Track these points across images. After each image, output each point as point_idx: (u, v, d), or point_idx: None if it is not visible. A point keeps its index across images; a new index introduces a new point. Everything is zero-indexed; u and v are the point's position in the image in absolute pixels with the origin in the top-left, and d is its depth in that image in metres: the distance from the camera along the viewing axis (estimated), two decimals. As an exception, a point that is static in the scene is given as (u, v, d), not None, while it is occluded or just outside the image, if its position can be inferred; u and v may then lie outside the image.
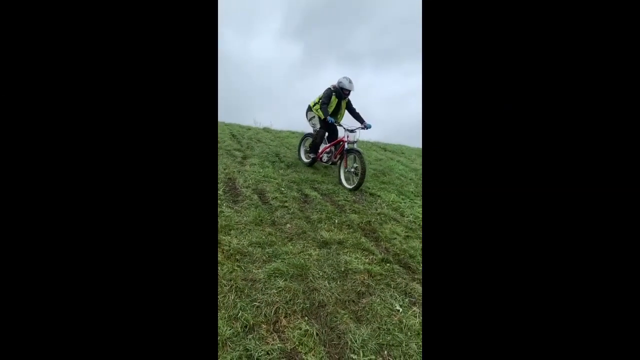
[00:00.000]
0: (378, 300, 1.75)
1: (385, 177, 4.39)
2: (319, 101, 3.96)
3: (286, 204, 2.87)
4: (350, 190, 3.49)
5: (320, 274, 1.91)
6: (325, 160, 4.08)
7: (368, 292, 1.82)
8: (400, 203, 3.38)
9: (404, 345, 1.46)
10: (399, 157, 6.06)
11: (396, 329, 1.56)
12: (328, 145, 4.05)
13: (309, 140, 4.30)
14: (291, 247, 2.18)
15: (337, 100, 3.92)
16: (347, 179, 3.70)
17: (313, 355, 1.33)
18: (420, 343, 1.49)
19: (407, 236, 2.64)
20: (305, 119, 4.24)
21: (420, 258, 2.32)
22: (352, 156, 3.62)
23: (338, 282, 1.87)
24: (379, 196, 3.54)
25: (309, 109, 4.12)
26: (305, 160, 4.33)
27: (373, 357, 1.38)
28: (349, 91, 3.90)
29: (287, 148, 5.23)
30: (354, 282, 1.88)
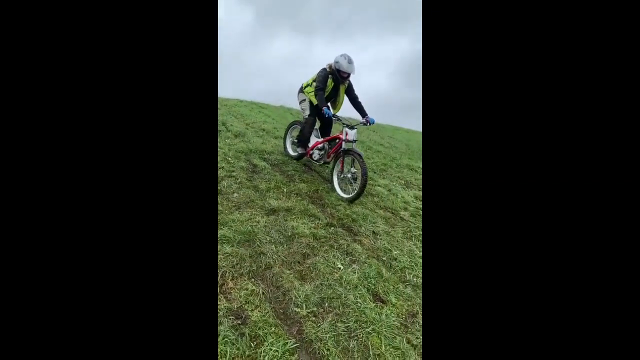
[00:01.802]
0: (321, 260, 1.88)
1: (334, 148, 4.51)
2: (311, 83, 3.17)
3: (233, 174, 2.83)
4: (346, 200, 2.82)
5: (268, 239, 1.98)
6: (316, 159, 3.27)
7: (312, 254, 1.94)
8: (347, 173, 3.54)
9: (343, 297, 1.62)
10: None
11: (337, 283, 1.71)
12: (321, 140, 3.25)
13: (296, 129, 3.54)
14: (238, 215, 2.19)
15: (333, 84, 3.07)
16: (342, 187, 2.98)
17: (259, 311, 1.41)
18: (358, 294, 1.66)
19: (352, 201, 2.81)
20: (297, 100, 3.42)
21: (362, 222, 2.51)
22: (349, 159, 2.93)
23: (285, 246, 1.95)
24: (327, 165, 3.66)
25: (301, 89, 3.30)
26: (292, 154, 3.57)
27: (315, 309, 1.51)
28: (348, 74, 3.00)
29: (235, 117, 5.02)
30: (299, 245, 1.99)
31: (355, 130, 2.94)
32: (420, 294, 1.82)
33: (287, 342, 1.28)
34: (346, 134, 2.90)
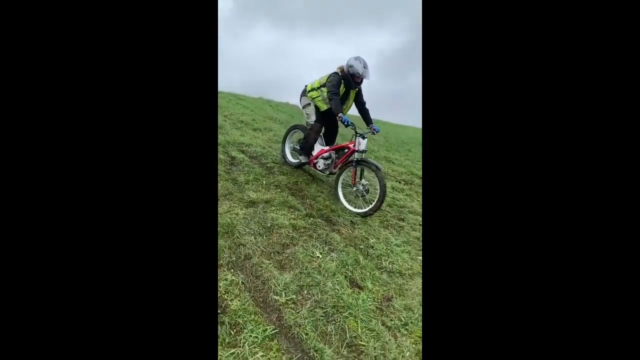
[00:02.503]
0: (301, 249, 1.92)
1: (314, 140, 4.53)
2: (319, 86, 2.91)
3: (211, 166, 2.79)
4: (358, 215, 2.60)
5: (247, 230, 1.99)
6: (320, 168, 2.97)
7: (292, 244, 1.97)
8: (326, 165, 3.58)
9: (321, 284, 1.67)
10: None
11: (315, 272, 1.76)
12: (327, 148, 2.95)
13: (297, 134, 3.28)
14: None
15: (344, 89, 2.84)
16: (350, 199, 2.77)
17: (238, 300, 1.43)
18: (336, 281, 1.72)
19: (331, 193, 2.86)
20: (299, 104, 3.18)
21: (340, 212, 2.56)
22: (360, 169, 2.71)
23: (264, 237, 1.97)
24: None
25: (304, 92, 3.05)
26: (292, 161, 3.25)
27: (294, 296, 1.55)
28: (362, 79, 2.78)
29: (213, 109, 4.91)
30: (279, 236, 2.01)
31: (367, 139, 2.72)
32: (395, 280, 1.91)
33: (266, 329, 1.32)
34: (359, 144, 2.66)
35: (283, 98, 9.81)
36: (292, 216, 2.29)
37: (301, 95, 3.10)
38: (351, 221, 2.48)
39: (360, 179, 2.71)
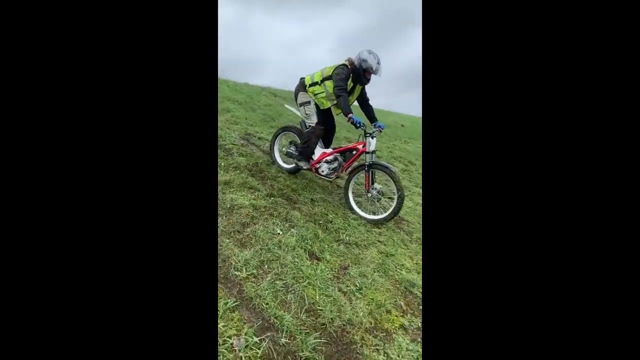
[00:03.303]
0: (261, 227, 1.97)
1: (274, 121, 4.50)
2: (321, 80, 2.53)
3: (165, 149, 2.68)
4: (373, 222, 2.43)
5: (206, 212, 1.98)
6: (325, 173, 2.68)
7: (252, 222, 2.01)
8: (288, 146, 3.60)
9: (281, 258, 1.74)
10: (288, 104, 6.19)
11: (276, 247, 1.82)
12: (331, 151, 2.68)
13: (288, 135, 2.95)
14: (173, 190, 2.13)
15: (352, 85, 2.52)
16: (363, 205, 2.57)
17: (198, 278, 1.46)
18: (295, 254, 1.80)
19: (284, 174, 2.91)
20: (294, 101, 2.82)
21: (301, 191, 2.63)
22: (373, 172, 2.49)
23: (224, 217, 1.98)
24: (267, 139, 3.66)
25: (302, 87, 2.65)
26: (285, 166, 2.90)
27: (254, 271, 1.61)
28: (371, 75, 2.49)
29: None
30: (239, 216, 2.04)
31: (375, 138, 2.48)
32: (352, 250, 2.05)
33: (227, 302, 1.37)
34: (369, 144, 2.43)
35: (241, 78, 9.45)
36: (253, 197, 2.31)
37: (297, 91, 2.69)
38: (311, 199, 2.56)
39: (372, 182, 2.50)
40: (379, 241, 2.28)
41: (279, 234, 1.96)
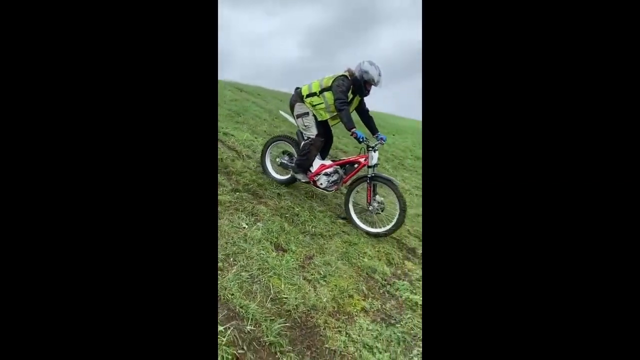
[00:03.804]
0: (227, 222, 1.98)
1: (240, 117, 4.44)
2: (319, 91, 2.46)
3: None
4: (374, 235, 2.41)
5: (168, 208, 1.95)
6: (324, 186, 2.59)
7: (217, 217, 2.01)
8: (253, 141, 3.58)
9: (247, 251, 1.77)
10: (255, 99, 6.12)
11: (241, 240, 1.84)
12: (331, 163, 2.61)
13: (282, 145, 2.84)
14: (132, 187, 2.06)
15: (351, 96, 2.46)
16: (365, 218, 2.54)
17: (161, 274, 1.45)
18: (261, 247, 1.84)
19: (258, 168, 2.91)
20: (289, 111, 2.70)
21: (267, 186, 2.66)
22: (375, 185, 2.47)
23: (187, 213, 1.96)
24: (232, 135, 3.62)
25: (299, 98, 2.57)
26: (278, 177, 2.82)
27: (220, 264, 1.62)
28: (371, 86, 2.45)
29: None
30: (203, 211, 2.03)
31: (377, 152, 2.45)
32: (317, 241, 2.12)
33: (192, 295, 1.38)
34: (372, 158, 2.41)
35: (206, 72, 9.13)
36: (218, 192, 2.30)
37: (293, 101, 2.61)
38: (278, 193, 2.60)
39: (374, 195, 2.48)
40: (343, 231, 2.38)
41: (244, 227, 1.98)
